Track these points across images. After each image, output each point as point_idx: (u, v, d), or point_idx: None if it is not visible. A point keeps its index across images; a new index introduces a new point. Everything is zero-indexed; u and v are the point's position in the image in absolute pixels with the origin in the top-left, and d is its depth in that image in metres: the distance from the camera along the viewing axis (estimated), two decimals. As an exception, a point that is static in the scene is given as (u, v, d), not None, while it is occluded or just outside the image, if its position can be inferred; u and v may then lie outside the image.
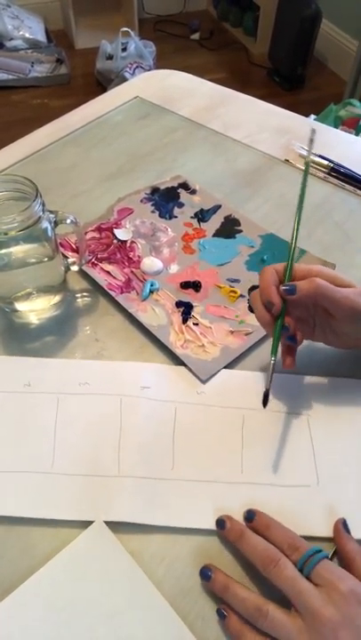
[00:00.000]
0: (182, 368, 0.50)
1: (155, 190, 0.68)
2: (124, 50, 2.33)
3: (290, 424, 0.47)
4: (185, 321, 0.54)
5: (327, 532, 0.40)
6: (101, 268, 0.58)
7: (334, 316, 0.44)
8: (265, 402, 0.43)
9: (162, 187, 0.69)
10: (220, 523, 0.40)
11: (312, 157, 0.73)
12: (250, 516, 0.40)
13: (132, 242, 0.62)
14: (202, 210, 0.66)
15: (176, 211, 0.66)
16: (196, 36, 2.83)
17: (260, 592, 0.37)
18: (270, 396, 0.46)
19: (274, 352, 0.44)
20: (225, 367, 0.50)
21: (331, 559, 0.38)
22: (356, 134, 1.68)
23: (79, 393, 0.48)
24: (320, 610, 0.33)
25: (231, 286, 0.57)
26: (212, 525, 0.40)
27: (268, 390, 0.44)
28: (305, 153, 0.74)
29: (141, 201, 0.67)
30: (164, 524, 0.41)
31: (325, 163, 0.72)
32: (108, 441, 0.45)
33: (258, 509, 0.40)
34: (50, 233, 0.49)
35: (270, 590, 0.36)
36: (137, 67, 2.28)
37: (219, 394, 0.48)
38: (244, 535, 0.39)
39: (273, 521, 0.39)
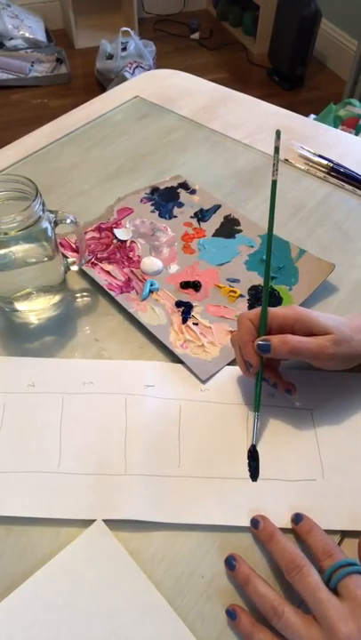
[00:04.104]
0: (185, 365, 0.50)
1: (154, 190, 0.68)
2: (123, 49, 2.34)
3: (294, 419, 0.47)
4: (185, 321, 0.54)
5: (334, 525, 0.41)
6: (101, 268, 0.58)
7: (314, 364, 0.45)
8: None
9: (162, 186, 0.69)
10: (254, 522, 0.40)
11: (311, 157, 0.74)
12: (297, 519, 0.40)
13: (132, 242, 0.62)
14: (201, 210, 0.66)
15: (176, 210, 0.66)
16: (195, 35, 2.83)
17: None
18: (274, 392, 0.47)
19: (256, 408, 0.45)
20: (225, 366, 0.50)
21: None
22: (356, 134, 1.68)
23: (83, 392, 0.48)
24: (338, 623, 0.33)
25: (231, 286, 0.57)
26: (218, 521, 0.41)
27: (255, 446, 0.45)
28: (305, 153, 0.74)
29: (141, 201, 0.67)
30: (172, 520, 0.41)
31: (325, 162, 0.73)
32: (114, 440, 0.45)
33: (306, 514, 0.40)
34: (50, 233, 0.49)
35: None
36: (137, 66, 2.28)
37: (222, 390, 0.49)
38: (274, 537, 0.39)
39: (316, 527, 0.39)
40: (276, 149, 0.47)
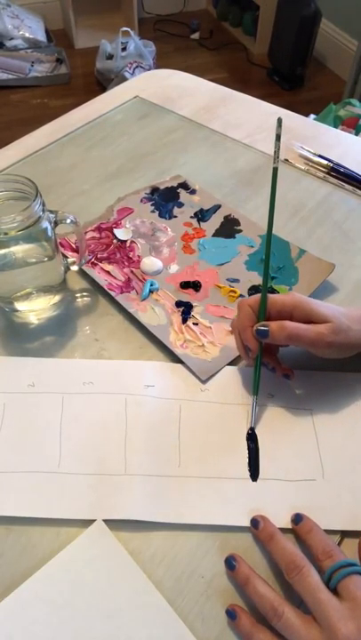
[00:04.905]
0: (185, 365, 0.50)
1: (154, 190, 0.68)
2: (123, 49, 2.34)
3: (294, 419, 0.47)
4: (185, 321, 0.54)
5: (334, 525, 0.40)
6: (101, 268, 0.58)
7: (312, 351, 0.45)
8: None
9: (162, 186, 0.69)
10: (254, 522, 0.40)
11: (311, 157, 0.74)
12: (297, 519, 0.40)
13: (132, 242, 0.62)
14: (201, 210, 0.66)
15: (176, 210, 0.66)
16: (195, 35, 2.83)
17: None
18: (274, 392, 0.48)
19: (255, 391, 0.47)
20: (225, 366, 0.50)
21: None
22: (356, 134, 1.68)
23: (84, 392, 0.48)
24: (337, 624, 0.33)
25: (231, 286, 0.57)
26: (218, 521, 0.41)
27: (254, 429, 0.46)
28: (305, 153, 0.74)
29: (141, 201, 0.67)
30: (172, 520, 0.41)
31: (325, 162, 0.73)
32: (114, 440, 0.45)
33: (306, 515, 0.40)
34: (50, 233, 0.49)
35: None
36: (137, 66, 2.28)
37: (223, 391, 0.49)
38: (274, 537, 0.38)
39: (316, 527, 0.39)
40: (278, 137, 0.48)
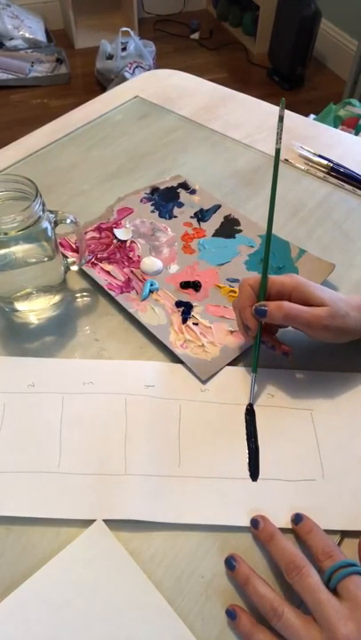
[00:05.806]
0: (185, 365, 0.50)
1: (154, 190, 0.68)
2: (123, 49, 2.34)
3: (294, 419, 0.47)
4: (185, 321, 0.54)
5: (334, 525, 0.40)
6: (101, 268, 0.58)
7: (308, 333, 0.46)
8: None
9: (162, 186, 0.69)
10: (254, 522, 0.40)
11: (311, 157, 0.74)
12: (297, 519, 0.40)
13: (132, 242, 0.62)
14: (201, 210, 0.66)
15: (176, 210, 0.66)
16: (195, 35, 2.83)
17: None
18: (274, 392, 0.48)
19: (254, 369, 0.48)
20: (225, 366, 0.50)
21: None
22: (356, 134, 1.68)
23: (84, 392, 0.48)
24: (337, 624, 0.33)
25: (231, 286, 0.57)
26: (218, 521, 0.41)
27: (253, 405, 0.47)
28: (305, 153, 0.74)
29: (141, 201, 0.67)
30: (172, 520, 0.41)
31: (325, 162, 0.73)
32: (115, 440, 0.45)
33: (306, 515, 0.40)
34: (50, 233, 0.49)
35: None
36: (137, 66, 2.28)
37: (223, 391, 0.49)
38: (274, 538, 0.38)
39: (316, 527, 0.39)
40: (281, 118, 0.49)
